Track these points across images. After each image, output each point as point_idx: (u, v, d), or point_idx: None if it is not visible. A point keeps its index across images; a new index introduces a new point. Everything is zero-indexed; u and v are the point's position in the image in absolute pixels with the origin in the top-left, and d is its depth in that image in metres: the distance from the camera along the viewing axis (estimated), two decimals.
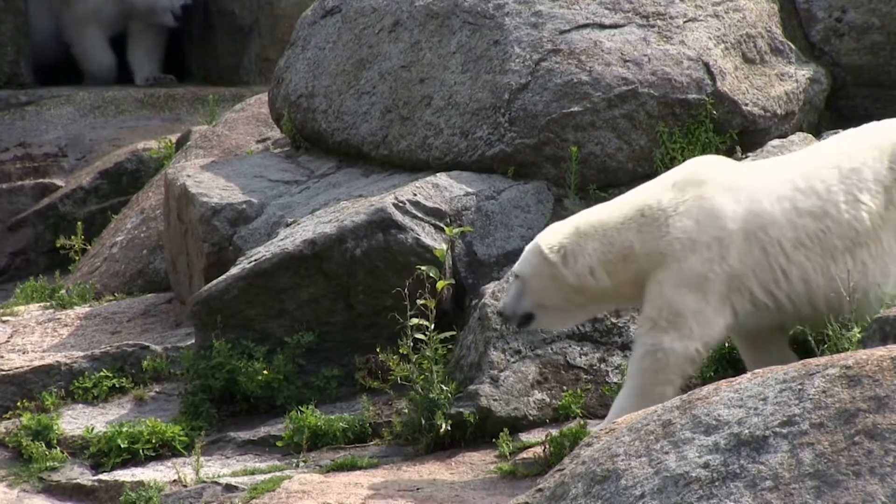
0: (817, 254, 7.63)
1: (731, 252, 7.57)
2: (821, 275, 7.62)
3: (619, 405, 7.55)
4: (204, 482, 8.04)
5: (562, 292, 7.74)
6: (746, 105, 9.44)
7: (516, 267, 7.83)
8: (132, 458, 8.45)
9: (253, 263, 9.01)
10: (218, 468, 8.29)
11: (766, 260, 7.61)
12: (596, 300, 7.82)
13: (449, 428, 8.19)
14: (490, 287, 8.63)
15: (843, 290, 7.50)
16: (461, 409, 8.21)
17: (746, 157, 9.23)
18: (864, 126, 7.98)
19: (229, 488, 7.94)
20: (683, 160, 9.17)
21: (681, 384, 7.59)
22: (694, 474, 5.51)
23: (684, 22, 9.59)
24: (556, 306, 7.80)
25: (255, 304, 8.95)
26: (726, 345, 8.20)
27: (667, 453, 5.63)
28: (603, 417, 8.22)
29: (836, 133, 9.73)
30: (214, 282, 9.10)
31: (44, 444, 8.49)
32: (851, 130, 7.97)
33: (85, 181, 12.89)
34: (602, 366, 8.46)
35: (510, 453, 8.02)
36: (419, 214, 9.03)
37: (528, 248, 7.82)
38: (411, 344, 8.22)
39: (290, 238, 9.11)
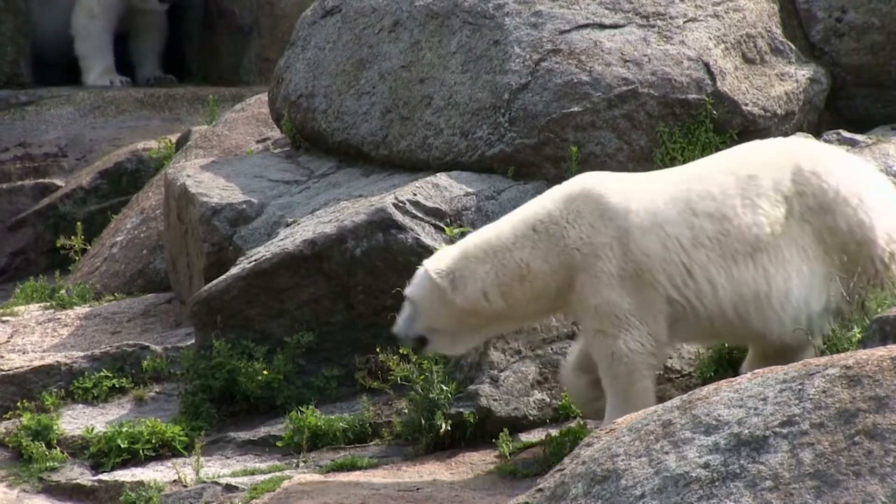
0: (718, 255, 7.66)
1: (633, 247, 7.62)
2: (724, 277, 7.65)
3: (611, 419, 7.53)
4: (204, 482, 8.04)
5: (453, 316, 7.77)
6: (746, 105, 9.44)
7: (407, 290, 7.86)
8: (132, 458, 8.45)
9: (253, 263, 9.01)
10: (218, 468, 8.29)
11: (668, 255, 7.64)
12: (491, 322, 7.84)
13: (449, 428, 8.19)
14: None
15: (747, 293, 7.57)
16: (461, 409, 8.20)
17: None
18: (767, 139, 8.06)
19: (229, 488, 7.94)
20: (683, 160, 9.19)
21: (653, 376, 7.69)
22: (694, 474, 5.51)
23: (684, 22, 9.59)
24: (448, 329, 7.83)
25: (255, 304, 8.95)
26: (726, 345, 8.20)
27: (667, 453, 5.63)
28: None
29: (836, 133, 9.75)
30: (214, 282, 9.10)
31: (44, 444, 8.49)
32: (754, 142, 8.04)
33: (85, 181, 12.89)
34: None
35: (510, 453, 8.02)
36: (419, 214, 9.03)
37: (418, 271, 7.83)
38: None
39: (290, 238, 9.11)
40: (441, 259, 7.81)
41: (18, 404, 8.90)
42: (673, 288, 7.65)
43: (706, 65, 9.41)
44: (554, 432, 7.97)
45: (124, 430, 8.51)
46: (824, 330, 7.64)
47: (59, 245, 11.48)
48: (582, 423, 8.09)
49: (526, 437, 8.17)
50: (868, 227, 7.67)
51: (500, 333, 8.19)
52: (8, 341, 9.67)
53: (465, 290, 7.72)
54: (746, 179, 7.69)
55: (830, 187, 7.67)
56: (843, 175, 7.73)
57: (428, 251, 8.81)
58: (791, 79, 9.73)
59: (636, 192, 7.71)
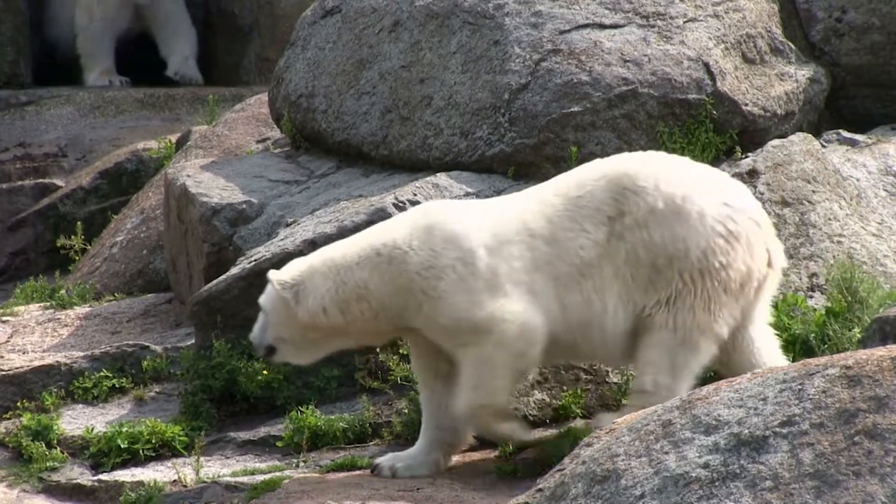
0: (553, 278, 7.73)
1: (479, 266, 7.71)
2: (557, 302, 7.72)
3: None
4: (204, 482, 8.04)
5: (297, 328, 7.86)
6: (746, 105, 9.44)
7: (260, 299, 7.97)
8: (132, 458, 8.45)
9: (253, 263, 9.01)
10: (218, 468, 8.29)
11: (513, 274, 7.72)
12: (331, 337, 7.91)
13: None
14: None
15: (574, 320, 7.67)
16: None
17: (746, 156, 9.23)
18: (607, 158, 8.09)
19: (229, 488, 7.94)
20: None
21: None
22: (694, 474, 5.51)
23: (684, 22, 9.59)
24: (294, 341, 7.90)
25: (255, 304, 8.92)
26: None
27: (667, 453, 5.63)
28: None
29: (836, 133, 9.75)
30: (214, 282, 9.10)
31: (44, 444, 8.49)
32: (593, 161, 8.09)
33: (85, 181, 12.89)
34: (602, 366, 8.45)
35: (510, 453, 8.01)
36: None
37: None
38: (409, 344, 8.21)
39: (290, 238, 9.11)
40: (288, 271, 7.92)
41: (18, 404, 8.90)
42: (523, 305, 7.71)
43: (706, 65, 9.41)
44: (554, 432, 7.97)
45: (124, 430, 8.51)
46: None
47: (59, 245, 11.48)
48: (582, 423, 8.09)
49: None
50: (679, 239, 7.62)
51: (342, 348, 8.17)
52: (8, 341, 9.67)
53: (306, 304, 7.81)
54: (575, 200, 7.75)
55: (647, 203, 7.66)
56: (666, 190, 7.67)
57: None
58: (791, 79, 9.73)
59: (478, 217, 7.83)
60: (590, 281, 7.72)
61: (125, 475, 8.27)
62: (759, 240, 7.70)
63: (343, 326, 7.84)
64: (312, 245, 8.94)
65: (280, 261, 8.93)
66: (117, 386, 9.15)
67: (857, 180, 9.38)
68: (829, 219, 9.04)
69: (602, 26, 9.53)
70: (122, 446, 8.46)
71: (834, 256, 8.84)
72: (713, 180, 7.84)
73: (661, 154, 8.06)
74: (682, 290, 7.63)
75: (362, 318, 7.81)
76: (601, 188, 7.74)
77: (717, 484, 5.47)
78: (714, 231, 7.62)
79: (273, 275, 7.89)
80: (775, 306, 8.38)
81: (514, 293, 7.69)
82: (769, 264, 7.73)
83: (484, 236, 7.74)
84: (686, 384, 7.61)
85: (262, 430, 8.64)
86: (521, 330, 7.66)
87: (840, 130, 9.78)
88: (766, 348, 7.89)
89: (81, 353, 9.33)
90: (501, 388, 7.76)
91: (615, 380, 8.39)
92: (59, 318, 10.21)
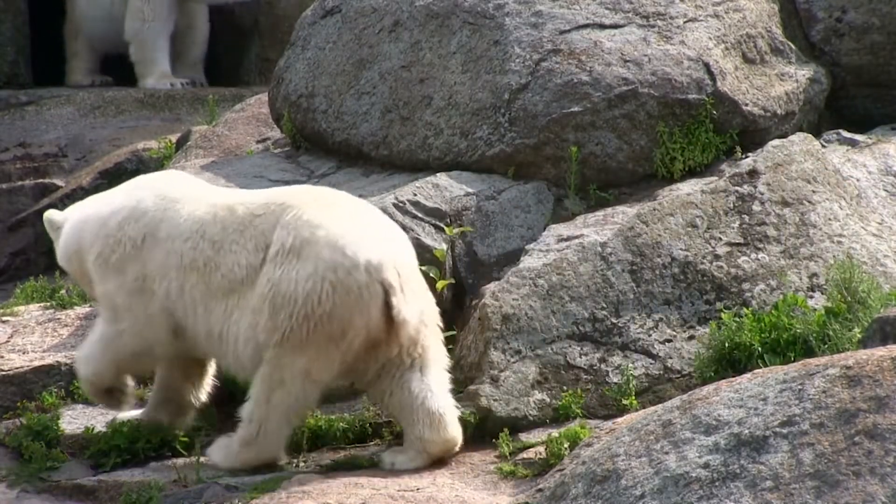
0: (204, 282, 8.01)
1: (145, 252, 8.16)
2: (203, 306, 8.01)
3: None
4: (204, 482, 8.04)
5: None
6: (746, 105, 9.44)
7: None
8: (132, 458, 8.45)
9: None
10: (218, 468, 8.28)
11: (166, 269, 8.10)
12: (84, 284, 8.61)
13: None
14: (490, 287, 8.63)
15: (214, 330, 7.99)
16: (461, 409, 8.20)
17: (746, 156, 9.23)
18: (294, 186, 8.51)
19: (229, 488, 7.94)
20: (684, 160, 9.21)
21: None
22: (694, 474, 5.52)
23: (684, 22, 9.59)
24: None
25: None
26: (726, 345, 8.21)
27: (667, 453, 5.64)
28: (603, 417, 8.24)
29: (836, 133, 9.75)
30: None
31: (44, 444, 8.49)
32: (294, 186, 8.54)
33: (85, 181, 12.89)
34: (602, 366, 8.46)
35: (510, 453, 8.02)
36: (419, 214, 9.04)
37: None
38: None
39: None
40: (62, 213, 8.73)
41: (18, 404, 8.89)
42: (164, 295, 8.10)
43: (706, 65, 9.41)
44: (554, 432, 7.97)
45: (124, 429, 8.51)
46: None
47: None
48: (582, 423, 8.09)
49: (526, 437, 8.17)
50: (293, 281, 7.74)
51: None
52: (8, 341, 9.65)
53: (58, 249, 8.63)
54: (252, 218, 7.96)
55: (282, 239, 7.83)
56: (297, 230, 7.81)
57: (428, 251, 8.82)
58: (791, 79, 9.73)
59: (175, 199, 8.20)
60: (234, 298, 7.93)
61: (125, 475, 8.27)
62: (374, 295, 7.72)
63: (79, 277, 8.56)
64: None
65: None
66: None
67: (858, 180, 9.38)
68: (829, 219, 9.04)
69: (602, 26, 9.53)
70: (122, 446, 8.46)
71: (834, 256, 8.84)
72: (355, 228, 7.86)
73: (328, 192, 8.23)
74: (288, 332, 7.74)
75: (79, 273, 8.54)
76: (272, 213, 7.95)
77: (717, 484, 5.48)
78: (323, 278, 7.69)
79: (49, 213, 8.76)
80: (775, 306, 8.39)
81: (160, 288, 8.09)
82: (392, 321, 7.77)
83: (165, 226, 8.15)
84: (280, 421, 7.93)
85: None
86: (143, 327, 8.13)
87: (840, 130, 9.78)
88: (427, 396, 7.93)
89: None
90: (107, 369, 8.37)
91: (615, 380, 8.40)
92: (59, 318, 10.20)
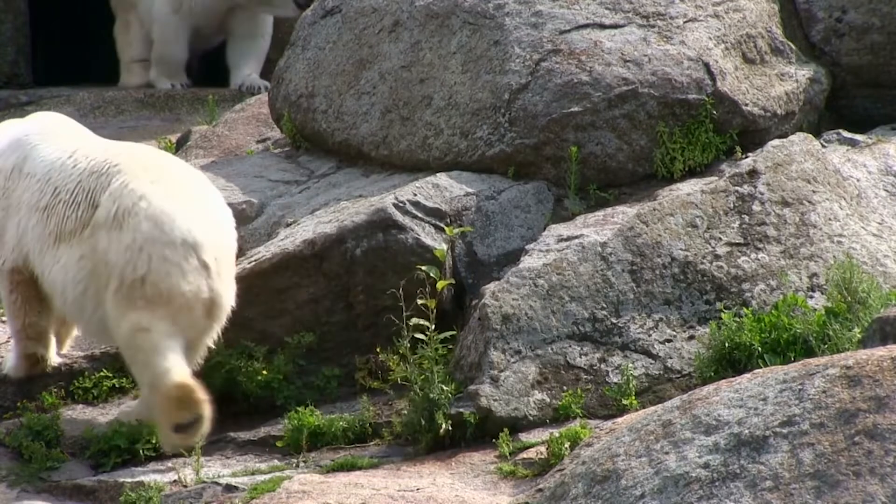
0: (42, 224, 8.36)
1: (11, 182, 8.50)
2: (39, 247, 8.36)
3: None
4: (204, 482, 8.04)
5: None
6: (746, 105, 9.44)
7: None
8: (132, 458, 8.45)
9: (253, 263, 9.01)
10: (218, 468, 8.29)
11: (20, 202, 8.45)
12: None
13: (449, 428, 8.19)
14: (490, 287, 8.63)
15: (52, 279, 8.33)
16: (461, 409, 8.21)
17: (746, 156, 9.23)
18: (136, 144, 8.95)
19: (229, 488, 7.94)
20: (684, 160, 9.21)
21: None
22: (694, 474, 5.52)
23: (684, 22, 9.59)
24: None
25: (255, 304, 8.94)
26: (726, 345, 8.21)
27: (667, 453, 5.64)
28: (603, 417, 8.24)
29: (836, 133, 9.75)
30: None
31: (44, 444, 8.49)
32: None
33: None
34: (602, 366, 8.46)
35: (510, 453, 8.02)
36: (419, 214, 9.04)
37: None
38: (407, 343, 8.22)
39: (290, 238, 9.11)
40: None
41: (18, 404, 8.89)
42: (17, 233, 8.47)
43: (706, 65, 9.41)
44: (554, 432, 7.97)
45: (124, 430, 8.51)
46: None
47: None
48: (582, 423, 8.09)
49: (526, 437, 8.17)
50: (116, 246, 8.06)
51: None
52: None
53: None
54: (88, 175, 8.30)
55: (108, 201, 8.13)
56: (125, 196, 8.13)
57: (428, 251, 8.82)
58: (791, 79, 9.73)
59: (51, 141, 8.53)
60: (65, 247, 8.27)
61: (125, 475, 8.27)
62: (192, 272, 8.07)
63: None
64: (312, 245, 8.95)
65: (280, 261, 8.95)
66: (117, 386, 9.15)
67: (858, 180, 9.38)
68: (830, 219, 9.04)
69: (602, 26, 9.53)
70: (122, 446, 8.46)
71: (834, 256, 8.84)
72: (178, 204, 8.20)
73: (163, 160, 8.62)
74: (112, 293, 8.05)
75: None
76: (105, 176, 8.30)
77: (717, 484, 5.48)
78: (141, 249, 8.04)
79: None
80: (775, 306, 8.40)
81: (14, 222, 8.44)
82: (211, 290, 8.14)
83: (34, 160, 8.48)
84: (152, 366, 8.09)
85: (262, 430, 8.64)
86: (9, 254, 8.53)
87: (840, 130, 9.78)
88: None
89: (81, 353, 9.33)
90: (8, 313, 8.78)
91: (615, 380, 8.40)
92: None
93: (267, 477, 8.00)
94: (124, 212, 8.09)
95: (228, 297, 8.25)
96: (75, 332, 9.19)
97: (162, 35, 14.55)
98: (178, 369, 8.00)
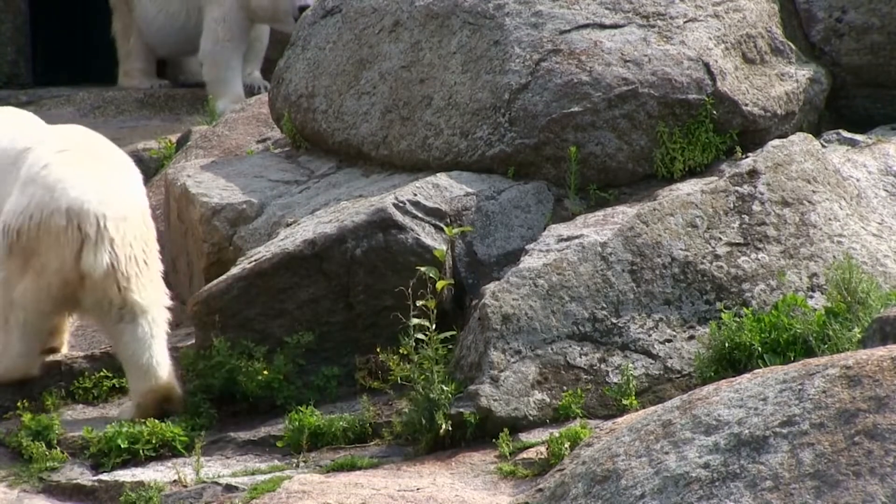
0: None
1: None
2: None
3: None
4: (204, 482, 8.05)
5: None
6: (746, 105, 9.44)
7: None
8: (132, 458, 8.45)
9: (253, 263, 9.01)
10: (218, 468, 8.29)
11: None
12: None
13: (449, 428, 8.19)
14: (490, 287, 8.63)
15: None
16: (461, 409, 8.21)
17: (746, 156, 9.23)
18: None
19: (229, 488, 7.94)
20: (684, 160, 9.21)
21: None
22: (694, 474, 5.52)
23: (684, 22, 9.59)
24: None
25: (255, 304, 8.95)
26: (726, 345, 8.21)
27: (667, 453, 5.64)
28: (603, 417, 8.24)
29: (836, 133, 9.75)
30: (214, 282, 9.10)
31: (44, 444, 8.49)
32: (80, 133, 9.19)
33: None
34: (602, 366, 8.46)
35: (510, 453, 8.02)
36: (419, 214, 9.04)
37: None
38: (413, 343, 8.22)
39: (290, 238, 9.11)
40: None
41: (18, 404, 8.89)
42: None
43: (706, 65, 9.41)
44: (554, 432, 7.97)
45: (124, 430, 8.51)
46: None
47: None
48: (582, 423, 8.09)
49: (526, 437, 8.17)
50: (12, 213, 8.56)
51: None
52: None
53: None
54: (23, 152, 8.78)
55: (21, 177, 8.63)
56: (33, 162, 8.65)
57: (428, 251, 8.82)
58: (791, 79, 9.73)
59: (10, 128, 8.96)
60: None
61: (125, 475, 8.27)
62: (71, 241, 8.44)
63: None
64: (312, 245, 8.95)
65: (280, 261, 8.95)
66: (117, 386, 9.15)
67: (858, 180, 9.39)
68: (829, 219, 9.04)
69: (602, 26, 9.53)
70: (122, 446, 8.46)
71: (834, 256, 8.85)
72: (79, 175, 8.65)
73: (92, 140, 9.04)
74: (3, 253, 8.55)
75: None
76: (31, 151, 8.78)
77: (717, 484, 5.48)
78: (31, 216, 8.44)
79: None
80: (775, 306, 8.40)
81: None
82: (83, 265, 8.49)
83: None
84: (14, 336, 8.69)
85: (262, 430, 8.64)
86: None
87: (840, 130, 9.78)
88: (135, 348, 8.70)
89: (81, 353, 9.34)
90: None
91: (615, 380, 8.40)
92: None
93: (267, 477, 8.00)
94: (28, 180, 8.53)
95: (97, 266, 8.46)
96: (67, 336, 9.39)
97: (218, 63, 14.31)
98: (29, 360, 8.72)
